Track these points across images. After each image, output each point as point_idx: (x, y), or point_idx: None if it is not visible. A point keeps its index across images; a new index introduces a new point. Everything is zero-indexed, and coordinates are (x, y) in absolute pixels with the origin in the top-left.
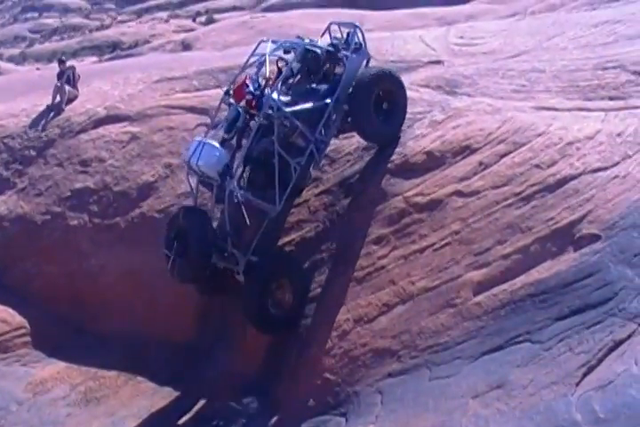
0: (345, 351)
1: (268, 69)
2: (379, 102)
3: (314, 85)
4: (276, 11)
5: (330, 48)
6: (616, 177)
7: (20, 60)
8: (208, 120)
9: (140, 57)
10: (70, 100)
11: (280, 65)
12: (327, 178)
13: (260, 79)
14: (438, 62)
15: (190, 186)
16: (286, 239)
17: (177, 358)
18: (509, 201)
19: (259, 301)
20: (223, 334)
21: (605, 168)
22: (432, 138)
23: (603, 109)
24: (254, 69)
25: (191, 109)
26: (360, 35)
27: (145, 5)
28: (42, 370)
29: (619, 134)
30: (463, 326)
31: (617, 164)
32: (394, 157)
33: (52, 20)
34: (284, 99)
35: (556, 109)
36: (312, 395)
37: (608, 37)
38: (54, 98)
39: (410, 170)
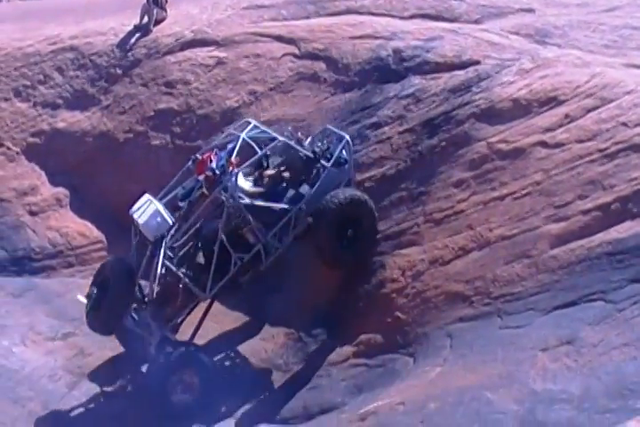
0: (418, 292)
1: (236, 153)
2: (343, 229)
3: (288, 184)
4: None
5: (310, 154)
6: None
7: None
8: (296, 50)
9: None
10: (158, 22)
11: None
12: (411, 117)
13: (228, 158)
14: (530, 11)
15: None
16: (366, 175)
17: (249, 284)
18: (593, 157)
19: (162, 383)
20: (295, 264)
21: None
22: (519, 86)
23: None
24: (226, 147)
25: (278, 38)
26: (346, 151)
27: None
28: None
29: None
30: (537, 278)
31: None
32: (480, 102)
33: None
34: (252, 189)
35: None
36: (381, 332)
37: None
38: (142, 18)
39: (495, 116)
